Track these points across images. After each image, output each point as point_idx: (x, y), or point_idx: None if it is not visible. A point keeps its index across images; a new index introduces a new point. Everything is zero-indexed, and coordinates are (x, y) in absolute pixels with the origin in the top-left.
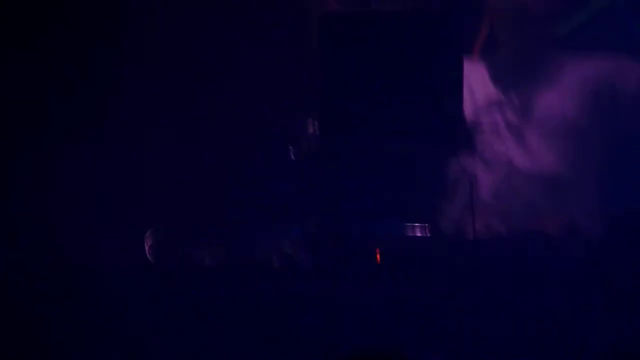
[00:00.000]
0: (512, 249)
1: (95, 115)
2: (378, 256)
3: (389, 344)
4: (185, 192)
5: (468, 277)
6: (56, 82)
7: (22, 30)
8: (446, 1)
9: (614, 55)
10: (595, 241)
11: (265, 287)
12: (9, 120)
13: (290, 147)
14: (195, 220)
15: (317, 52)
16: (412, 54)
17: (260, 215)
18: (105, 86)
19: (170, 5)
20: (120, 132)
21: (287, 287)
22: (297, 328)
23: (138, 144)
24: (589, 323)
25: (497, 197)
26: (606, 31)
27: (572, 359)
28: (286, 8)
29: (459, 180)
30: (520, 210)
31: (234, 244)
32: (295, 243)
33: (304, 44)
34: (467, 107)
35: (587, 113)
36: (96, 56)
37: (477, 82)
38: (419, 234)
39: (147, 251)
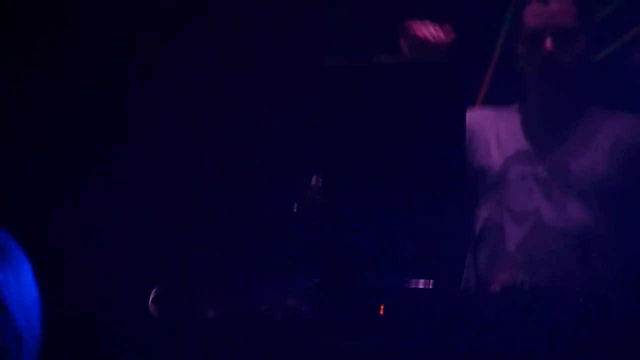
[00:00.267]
0: (534, 304)
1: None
2: (382, 310)
3: None
4: (189, 245)
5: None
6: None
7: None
8: (452, 52)
9: None
10: (619, 300)
11: (269, 339)
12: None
13: (295, 201)
14: (198, 272)
15: (319, 105)
16: (418, 105)
17: (265, 268)
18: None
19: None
20: (123, 179)
21: (291, 339)
22: None
23: (139, 193)
24: None
25: (521, 249)
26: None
27: None
28: (289, 59)
29: (468, 232)
30: (545, 264)
31: (238, 296)
32: (300, 295)
33: (305, 98)
34: (495, 158)
35: (617, 169)
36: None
37: (506, 133)
38: (425, 288)
39: (149, 303)
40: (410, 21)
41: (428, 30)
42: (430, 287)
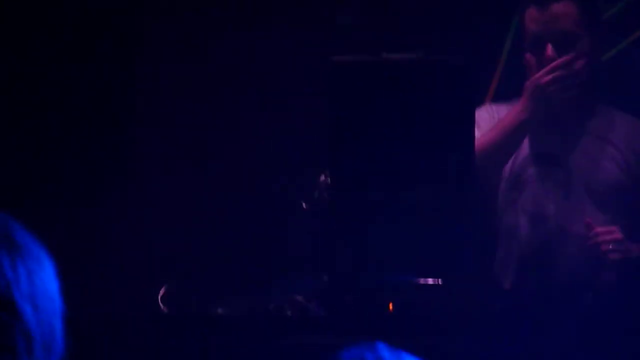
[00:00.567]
0: (550, 304)
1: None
2: (391, 307)
3: None
4: (198, 242)
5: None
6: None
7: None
8: (461, 49)
9: None
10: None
11: (278, 337)
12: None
13: (303, 199)
14: (207, 270)
15: (328, 102)
16: (427, 102)
17: (273, 266)
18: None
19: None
20: (131, 176)
21: (300, 337)
22: None
23: (148, 191)
24: None
25: (537, 251)
26: None
27: None
28: (297, 56)
29: (479, 231)
30: (560, 267)
31: (247, 294)
32: (309, 293)
33: (313, 95)
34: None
35: (630, 173)
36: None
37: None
38: (434, 285)
39: (159, 300)
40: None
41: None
42: (440, 284)
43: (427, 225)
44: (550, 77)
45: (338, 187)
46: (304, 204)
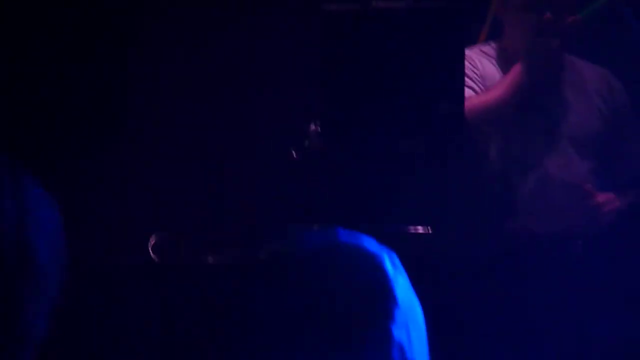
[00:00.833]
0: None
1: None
2: None
3: None
4: (188, 192)
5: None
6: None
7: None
8: None
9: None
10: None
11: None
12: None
13: (292, 147)
14: (198, 220)
15: (316, 50)
16: (417, 49)
17: (264, 215)
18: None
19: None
20: (123, 126)
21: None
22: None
23: (139, 142)
24: (602, 324)
25: (526, 199)
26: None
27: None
28: (287, 5)
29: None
30: (549, 215)
31: (237, 244)
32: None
33: (303, 43)
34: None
35: (606, 121)
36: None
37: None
38: (424, 234)
39: (149, 250)
40: None
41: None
42: (430, 233)
43: (416, 174)
44: (551, 34)
45: (329, 135)
46: (294, 153)
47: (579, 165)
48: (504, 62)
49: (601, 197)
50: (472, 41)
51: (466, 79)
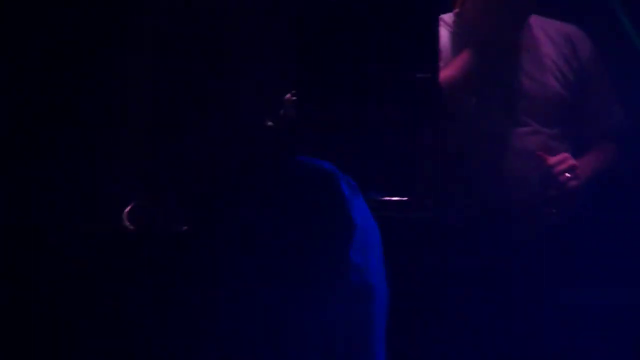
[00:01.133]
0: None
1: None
2: None
3: None
4: (162, 157)
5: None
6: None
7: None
8: None
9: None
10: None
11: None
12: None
13: (267, 117)
14: (173, 188)
15: (290, 18)
16: (390, 18)
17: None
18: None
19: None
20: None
21: None
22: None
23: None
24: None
25: (492, 168)
26: None
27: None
28: None
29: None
30: (514, 184)
31: (212, 213)
32: None
33: (277, 11)
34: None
35: (564, 84)
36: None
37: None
38: (398, 202)
39: (124, 216)
40: None
41: None
42: (405, 201)
43: (391, 142)
44: None
45: (303, 104)
46: (269, 122)
47: (540, 133)
48: (459, 34)
49: (553, 160)
50: (449, 8)
51: None
